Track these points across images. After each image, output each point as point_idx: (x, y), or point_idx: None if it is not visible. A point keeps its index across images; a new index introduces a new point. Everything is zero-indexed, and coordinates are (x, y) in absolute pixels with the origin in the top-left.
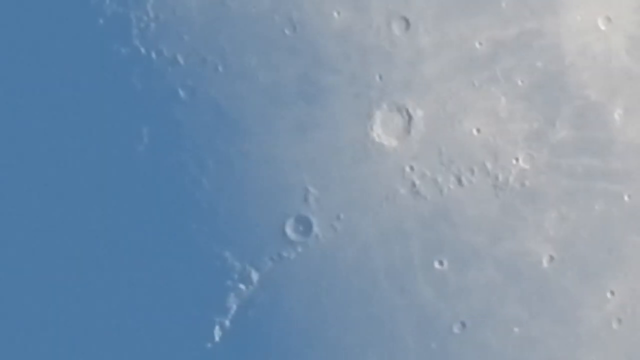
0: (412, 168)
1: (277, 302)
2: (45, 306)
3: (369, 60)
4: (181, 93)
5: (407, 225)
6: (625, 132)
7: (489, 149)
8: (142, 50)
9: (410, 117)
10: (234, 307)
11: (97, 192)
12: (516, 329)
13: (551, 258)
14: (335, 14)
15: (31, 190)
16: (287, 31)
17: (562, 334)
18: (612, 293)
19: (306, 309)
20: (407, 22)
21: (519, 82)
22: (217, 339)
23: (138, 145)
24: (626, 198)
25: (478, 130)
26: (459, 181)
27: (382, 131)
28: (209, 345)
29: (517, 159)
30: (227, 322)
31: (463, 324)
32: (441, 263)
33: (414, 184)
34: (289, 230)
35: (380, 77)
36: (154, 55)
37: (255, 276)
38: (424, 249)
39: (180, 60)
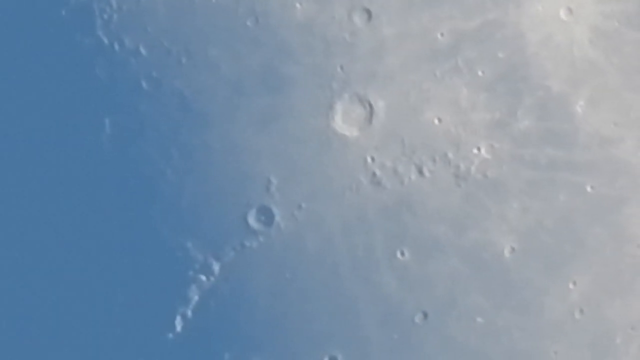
0: (373, 158)
1: (239, 292)
2: (7, 295)
3: (331, 51)
4: (144, 84)
5: (369, 216)
6: (588, 123)
7: (451, 139)
8: (106, 41)
9: (372, 108)
10: (196, 297)
11: (60, 182)
12: (479, 319)
13: (514, 249)
14: (297, 5)
15: None
16: (249, 23)
17: (524, 324)
18: (575, 283)
19: (268, 299)
20: (369, 14)
21: (481, 73)
22: (178, 329)
23: (101, 135)
24: (589, 189)
25: (440, 121)
26: (421, 171)
27: (344, 122)
28: (171, 335)
29: (479, 149)
30: (188, 312)
31: (425, 314)
32: (403, 253)
33: (375, 174)
34: (251, 220)
35: (342, 68)
36: (117, 46)
37: (217, 267)
38: (386, 239)
39: (144, 51)
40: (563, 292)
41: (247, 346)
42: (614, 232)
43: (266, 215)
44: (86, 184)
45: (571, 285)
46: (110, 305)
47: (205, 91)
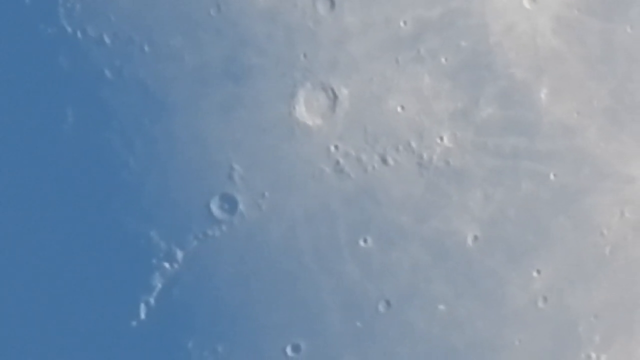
0: (337, 147)
1: (202, 280)
2: None
3: (294, 40)
4: (107, 73)
5: (332, 204)
6: (551, 112)
7: (414, 128)
8: (69, 29)
9: (335, 96)
10: (159, 285)
11: (22, 172)
12: (442, 308)
13: (476, 237)
14: None
15: None
16: (212, 12)
17: (487, 313)
18: (538, 272)
19: (231, 288)
20: (332, 2)
21: (444, 61)
22: (142, 316)
23: (63, 124)
24: (552, 177)
25: (403, 109)
26: (384, 160)
27: (307, 110)
28: (135, 323)
29: (441, 138)
30: (152, 301)
31: (388, 303)
32: (366, 242)
33: (338, 163)
34: (214, 208)
35: (305, 57)
36: (80, 35)
37: (180, 255)
38: (349, 227)
39: (107, 40)
40: (526, 280)
41: (210, 334)
42: (577, 221)
43: (229, 204)
44: (48, 172)
45: (534, 274)
46: (73, 293)
47: (168, 80)
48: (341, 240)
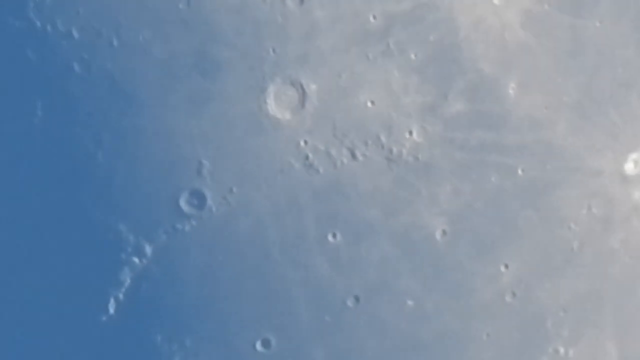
0: (306, 142)
1: (171, 275)
2: None
3: (262, 34)
4: (76, 67)
5: (301, 199)
6: (520, 106)
7: (383, 123)
8: (38, 23)
9: (304, 91)
10: (128, 280)
11: None
12: (410, 302)
13: (445, 232)
14: None
15: None
16: (181, 5)
17: (455, 307)
18: (506, 266)
19: (200, 282)
20: None
21: (413, 56)
22: (111, 311)
23: (32, 118)
24: (520, 172)
25: (372, 104)
26: (353, 154)
27: (276, 105)
28: (104, 318)
29: (410, 132)
30: (121, 296)
31: (357, 298)
32: (335, 236)
33: (307, 158)
34: (183, 203)
35: (274, 51)
36: (49, 28)
37: (149, 249)
38: (318, 222)
39: (75, 33)
40: (494, 274)
41: (179, 328)
42: (545, 215)
43: (198, 199)
44: (16, 166)
45: (502, 268)
46: (42, 288)
47: (137, 74)
48: (310, 235)
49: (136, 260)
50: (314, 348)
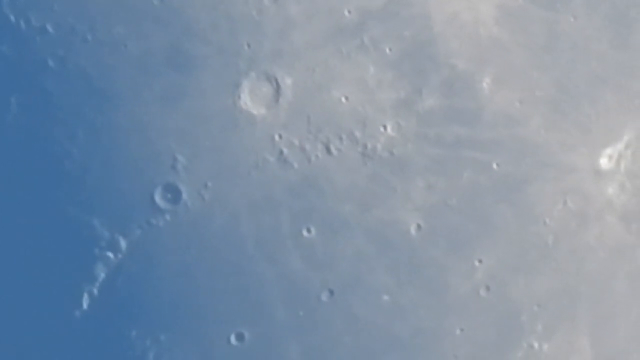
0: (280, 136)
1: (146, 270)
2: None
3: (237, 29)
4: (50, 62)
5: (275, 194)
6: (494, 101)
7: (358, 118)
8: (12, 18)
9: (278, 86)
10: (103, 275)
11: None
12: (385, 297)
13: (419, 227)
14: None
15: None
16: (155, 1)
17: (430, 302)
18: (480, 261)
19: (175, 277)
20: None
21: (387, 51)
22: (85, 307)
23: (6, 114)
24: (495, 167)
25: (346, 99)
26: (328, 150)
27: (251, 100)
28: (78, 313)
29: (385, 128)
30: (95, 291)
31: (331, 292)
32: (309, 231)
33: (282, 153)
34: (157, 198)
35: (249, 46)
36: (23, 24)
37: (123, 244)
38: (293, 217)
39: (50, 29)
40: (468, 269)
41: (154, 324)
42: (519, 211)
43: (173, 194)
44: None
45: (477, 263)
46: (15, 283)
47: (111, 69)
48: (284, 230)
49: (110, 255)
50: (288, 342)
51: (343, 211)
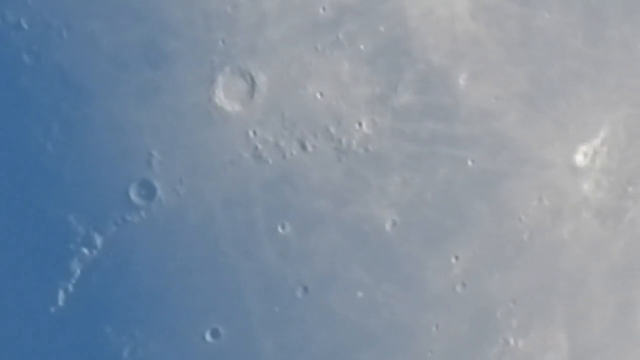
0: (255, 133)
1: (121, 266)
2: None
3: (212, 25)
4: (25, 58)
5: (250, 190)
6: (470, 97)
7: (333, 114)
8: None
9: (253, 82)
10: (78, 271)
11: None
12: (360, 294)
13: (395, 223)
14: None
15: None
16: None
17: (406, 298)
18: (457, 258)
19: (150, 273)
20: None
21: (362, 47)
22: (60, 303)
23: None
24: (470, 163)
25: (321, 95)
26: (302, 146)
27: (226, 96)
28: (53, 308)
29: (360, 124)
30: (70, 287)
31: (306, 288)
32: (284, 227)
33: (257, 149)
34: (132, 194)
35: (224, 42)
36: None
37: (99, 240)
38: (268, 213)
39: (25, 25)
40: (444, 265)
41: (129, 320)
42: (494, 206)
43: (147, 190)
44: None
45: (452, 259)
46: None
47: (86, 65)
48: (259, 226)
49: (86, 251)
50: (263, 338)
51: (318, 207)
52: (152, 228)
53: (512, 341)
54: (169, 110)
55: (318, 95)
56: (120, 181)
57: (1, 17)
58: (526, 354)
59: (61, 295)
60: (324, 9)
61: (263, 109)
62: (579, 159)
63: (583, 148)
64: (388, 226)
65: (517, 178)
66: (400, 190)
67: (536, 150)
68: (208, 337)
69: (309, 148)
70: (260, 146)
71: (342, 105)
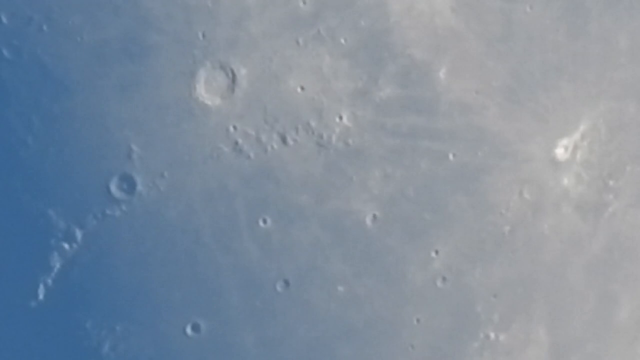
0: (235, 127)
1: (102, 260)
2: None
3: (192, 19)
4: (5, 52)
5: (231, 184)
6: (450, 91)
7: (313, 108)
8: None
9: (234, 76)
10: (58, 265)
11: None
12: (340, 288)
13: (375, 217)
14: None
15: None
16: None
17: (387, 292)
18: (437, 252)
19: (131, 268)
20: None
21: (343, 41)
22: (41, 297)
23: None
24: (451, 157)
25: (302, 89)
26: (283, 140)
27: (206, 90)
28: (33, 303)
29: (341, 118)
30: (50, 281)
31: (287, 282)
32: (265, 221)
33: (237, 143)
34: (113, 188)
35: (204, 36)
36: None
37: (79, 234)
38: (249, 207)
39: (5, 19)
40: (425, 260)
41: (109, 314)
42: (475, 201)
43: (128, 184)
44: None
45: (433, 254)
46: None
47: (67, 59)
48: (240, 220)
49: (66, 245)
50: (244, 332)
51: (299, 201)
52: (133, 222)
53: (492, 335)
54: (149, 105)
55: (299, 89)
56: (100, 175)
57: None
58: (507, 348)
59: (41, 289)
60: (304, 2)
61: (244, 103)
62: (560, 152)
63: (564, 142)
64: (369, 220)
65: (498, 172)
66: (381, 184)
67: (517, 144)
68: (189, 331)
69: (290, 142)
70: (240, 140)
71: (323, 99)
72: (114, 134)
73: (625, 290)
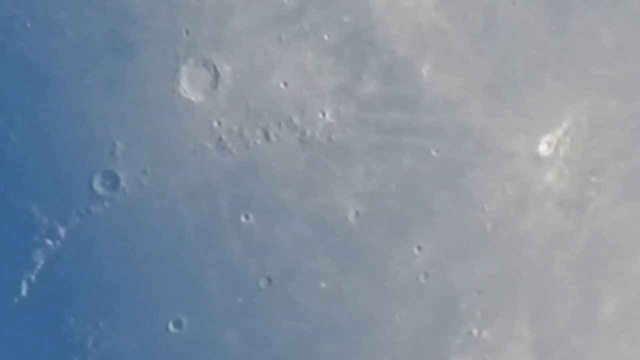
0: (219, 123)
1: (85, 257)
2: None
3: (176, 15)
4: None
5: (214, 180)
6: (434, 87)
7: (296, 104)
8: None
9: (217, 72)
10: (41, 262)
11: None
12: (323, 284)
13: (358, 213)
14: None
15: None
16: None
17: (369, 289)
18: (420, 248)
19: (114, 264)
20: None
21: (327, 37)
22: (23, 293)
23: None
24: (434, 153)
25: (285, 85)
26: (266, 136)
27: (190, 86)
28: (16, 299)
29: (324, 114)
30: (33, 277)
31: (270, 279)
32: (248, 217)
33: (221, 139)
34: (96, 184)
35: (187, 33)
36: None
37: (62, 231)
38: (232, 203)
39: None
40: (408, 256)
41: (92, 310)
42: (458, 197)
43: (111, 180)
44: None
45: (416, 250)
46: None
47: (51, 55)
48: (223, 216)
49: (49, 242)
50: (227, 329)
51: (282, 197)
52: (116, 219)
53: (475, 332)
54: (132, 101)
55: (282, 86)
56: (83, 172)
57: None
58: (490, 344)
59: (24, 285)
60: None
61: (227, 99)
62: (543, 149)
63: (546, 138)
64: (351, 216)
65: (481, 168)
66: (363, 180)
67: (500, 140)
68: (171, 327)
69: (273, 138)
70: (224, 136)
71: (306, 95)
72: (98, 130)
73: (608, 286)
